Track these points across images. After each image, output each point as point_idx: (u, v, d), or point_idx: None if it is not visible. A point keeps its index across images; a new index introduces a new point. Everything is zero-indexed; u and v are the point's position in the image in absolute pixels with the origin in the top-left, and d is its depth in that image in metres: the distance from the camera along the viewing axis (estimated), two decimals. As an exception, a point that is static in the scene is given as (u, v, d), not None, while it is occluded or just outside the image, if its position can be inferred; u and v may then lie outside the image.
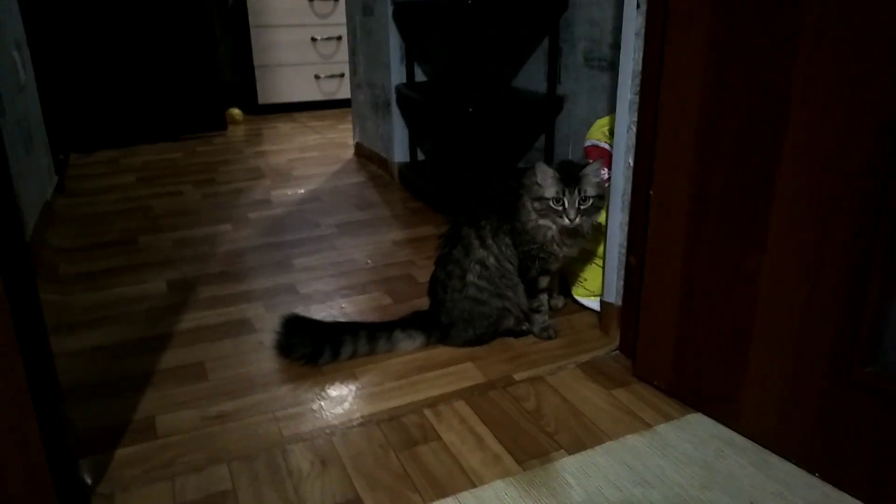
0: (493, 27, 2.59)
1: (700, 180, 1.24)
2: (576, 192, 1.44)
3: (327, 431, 1.32)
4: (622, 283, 1.55)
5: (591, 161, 1.50)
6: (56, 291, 1.93)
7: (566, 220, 1.45)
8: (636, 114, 1.42)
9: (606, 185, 1.56)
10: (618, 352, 1.57)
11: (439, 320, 1.60)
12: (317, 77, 4.61)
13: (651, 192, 1.35)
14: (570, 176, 1.45)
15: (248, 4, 4.25)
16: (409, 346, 1.58)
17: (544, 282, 1.60)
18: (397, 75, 2.83)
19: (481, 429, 1.32)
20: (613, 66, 2.12)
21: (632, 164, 1.45)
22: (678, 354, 1.37)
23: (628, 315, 1.53)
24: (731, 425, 1.29)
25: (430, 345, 1.60)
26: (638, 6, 1.37)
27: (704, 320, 1.30)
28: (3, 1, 2.29)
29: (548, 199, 1.46)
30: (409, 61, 2.79)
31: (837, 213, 1.06)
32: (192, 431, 1.32)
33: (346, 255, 2.18)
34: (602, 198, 1.50)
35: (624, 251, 1.53)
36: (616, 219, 1.53)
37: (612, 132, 1.78)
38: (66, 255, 2.21)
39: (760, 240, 1.16)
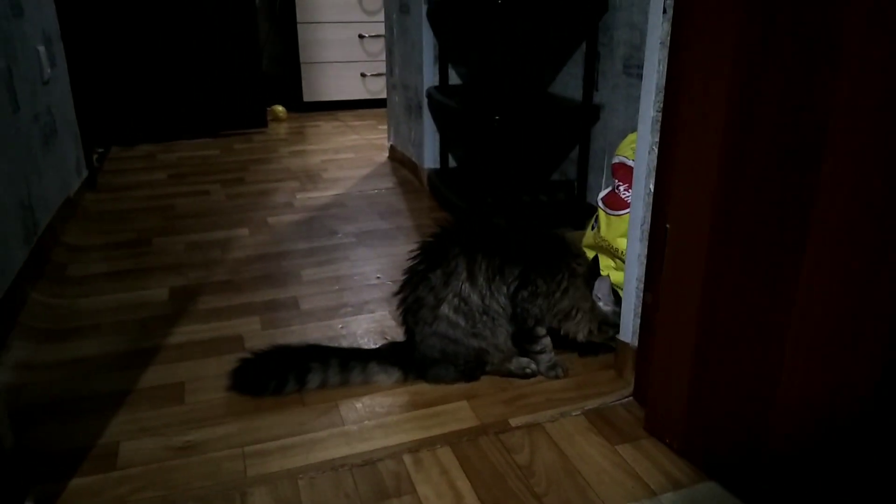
0: (526, 29, 2.43)
1: (722, 211, 1.06)
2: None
3: (295, 474, 1.20)
4: (639, 321, 1.38)
5: None
6: (59, 294, 1.89)
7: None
8: (658, 134, 1.24)
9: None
10: (630, 399, 1.40)
11: (412, 355, 1.46)
12: (363, 75, 4.54)
13: (668, 226, 1.18)
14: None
15: (297, 0, 4.20)
16: (386, 381, 1.45)
17: (542, 330, 1.46)
18: (430, 77, 2.70)
19: (462, 484, 1.17)
20: (652, 75, 1.94)
21: (652, 189, 1.28)
22: (692, 409, 1.19)
23: (644, 358, 1.36)
24: (749, 500, 1.11)
25: (408, 381, 1.46)
26: (664, 11, 1.20)
27: (722, 372, 1.12)
28: (31, -4, 2.27)
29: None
30: (443, 63, 2.65)
31: (886, 258, 0.88)
32: (153, 463, 1.23)
33: (358, 268, 2.07)
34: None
35: (641, 286, 1.35)
36: (635, 250, 1.36)
37: (641, 149, 1.61)
38: (79, 254, 2.17)
39: (790, 283, 0.98)
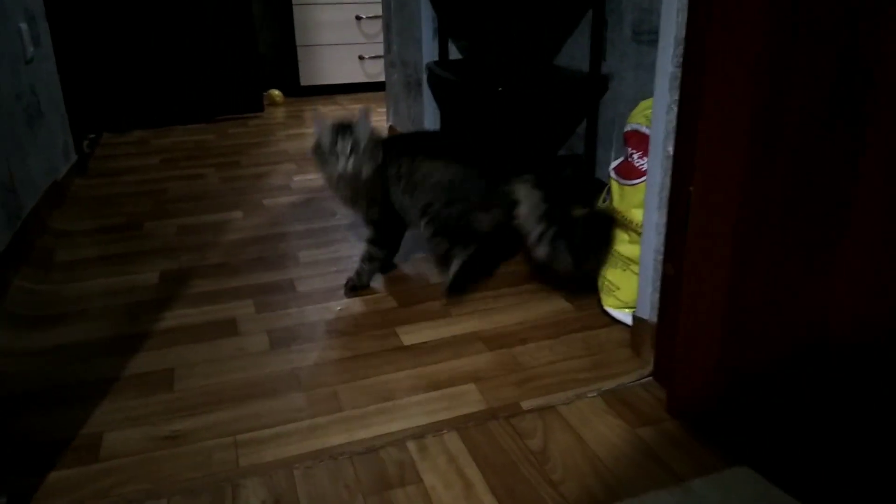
0: (533, -2, 2.32)
1: (755, 174, 0.97)
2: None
3: (291, 463, 1.11)
4: (658, 295, 1.28)
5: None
6: (45, 280, 1.80)
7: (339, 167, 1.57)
8: (678, 91, 1.15)
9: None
10: (650, 378, 1.31)
11: None
12: (361, 58, 4.43)
13: (692, 189, 1.08)
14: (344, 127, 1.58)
15: (290, -19, 4.09)
16: None
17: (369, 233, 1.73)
18: (429, 52, 2.59)
19: (472, 472, 1.09)
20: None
21: (671, 153, 1.18)
22: (721, 388, 1.10)
23: (664, 335, 1.27)
24: (785, 486, 1.02)
25: None
26: (685, -44, 1.10)
27: (755, 347, 1.03)
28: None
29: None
30: (442, 37, 2.54)
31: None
32: (137, 455, 1.14)
33: (356, 249, 1.97)
34: (376, 147, 1.60)
35: (660, 258, 1.26)
36: (652, 219, 1.27)
37: (656, 115, 1.51)
38: (67, 239, 2.08)
39: (833, 246, 0.89)
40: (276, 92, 4.20)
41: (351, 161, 1.55)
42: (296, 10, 4.17)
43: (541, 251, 1.55)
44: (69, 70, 2.73)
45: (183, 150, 3.16)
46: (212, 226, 2.17)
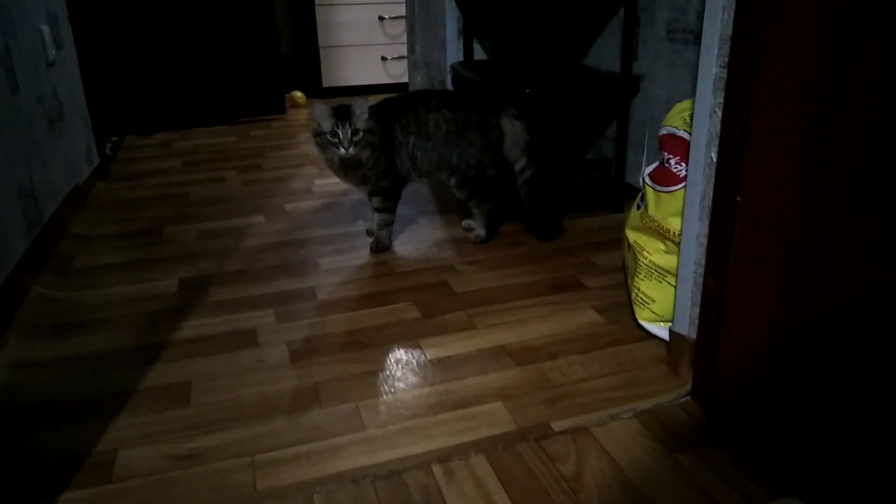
0: (562, -4, 2.26)
1: (811, 184, 0.89)
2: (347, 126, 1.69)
3: (311, 487, 1.06)
4: (697, 310, 1.21)
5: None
6: (63, 287, 1.77)
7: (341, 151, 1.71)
8: (723, 93, 1.07)
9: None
10: (688, 398, 1.24)
11: None
12: (383, 59, 4.38)
13: (739, 199, 1.01)
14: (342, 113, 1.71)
15: (314, -19, 4.05)
16: None
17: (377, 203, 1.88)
18: (454, 53, 2.54)
19: (500, 498, 1.03)
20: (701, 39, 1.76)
21: (715, 159, 1.11)
22: (767, 411, 1.03)
23: (704, 352, 1.19)
24: (840, 520, 0.95)
25: None
26: (731, -51, 1.03)
27: (805, 370, 0.95)
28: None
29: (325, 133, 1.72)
30: (467, 37, 2.49)
31: None
32: (152, 475, 1.10)
33: (379, 256, 1.92)
34: (372, 132, 1.72)
35: (701, 271, 1.19)
36: (692, 230, 1.20)
37: (692, 117, 1.44)
38: (87, 244, 2.05)
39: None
40: (298, 93, 4.17)
41: (351, 148, 1.69)
42: (318, 10, 4.14)
43: (520, 191, 1.85)
44: (92, 72, 2.72)
45: (205, 152, 3.14)
46: (232, 231, 2.14)
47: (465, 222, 2.06)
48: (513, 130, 1.82)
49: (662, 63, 1.92)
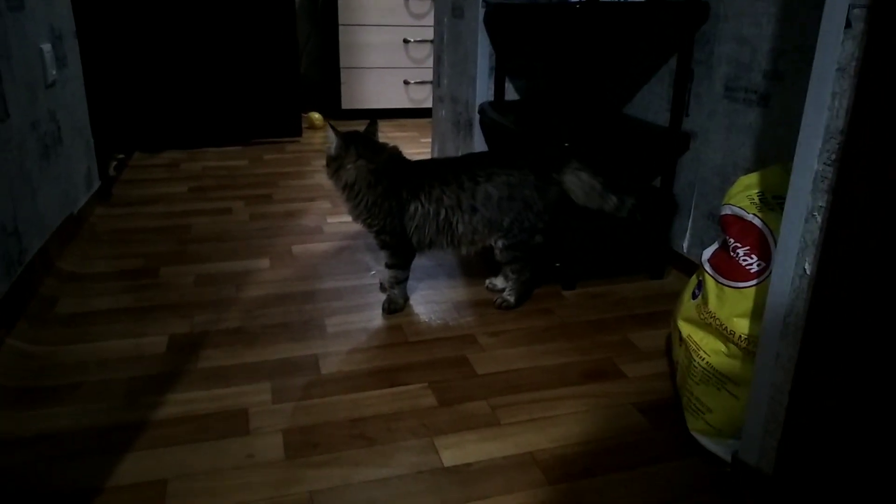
0: (606, 39, 2.07)
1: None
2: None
3: None
4: (775, 443, 1.01)
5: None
6: (40, 340, 1.59)
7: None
8: (825, 196, 0.88)
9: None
10: (756, 547, 1.03)
11: None
12: (406, 83, 4.23)
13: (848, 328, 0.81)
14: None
15: (339, 0, 3.90)
16: None
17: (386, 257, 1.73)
18: (484, 91, 2.35)
19: None
20: (767, 102, 1.57)
21: (809, 271, 0.92)
22: None
23: (785, 493, 0.99)
24: None
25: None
26: (848, 25, 0.84)
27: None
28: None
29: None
30: (500, 76, 2.31)
31: None
32: None
33: (392, 319, 1.73)
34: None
35: (782, 399, 0.99)
36: (771, 348, 1.00)
37: (764, 200, 1.25)
38: (74, 285, 1.88)
39: None
40: (316, 115, 4.01)
41: (355, 174, 1.63)
42: (342, 30, 3.99)
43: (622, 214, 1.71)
44: (101, 87, 2.57)
45: (213, 177, 2.97)
46: (234, 276, 1.95)
47: (490, 281, 1.87)
48: (579, 182, 1.69)
49: (718, 123, 1.73)
